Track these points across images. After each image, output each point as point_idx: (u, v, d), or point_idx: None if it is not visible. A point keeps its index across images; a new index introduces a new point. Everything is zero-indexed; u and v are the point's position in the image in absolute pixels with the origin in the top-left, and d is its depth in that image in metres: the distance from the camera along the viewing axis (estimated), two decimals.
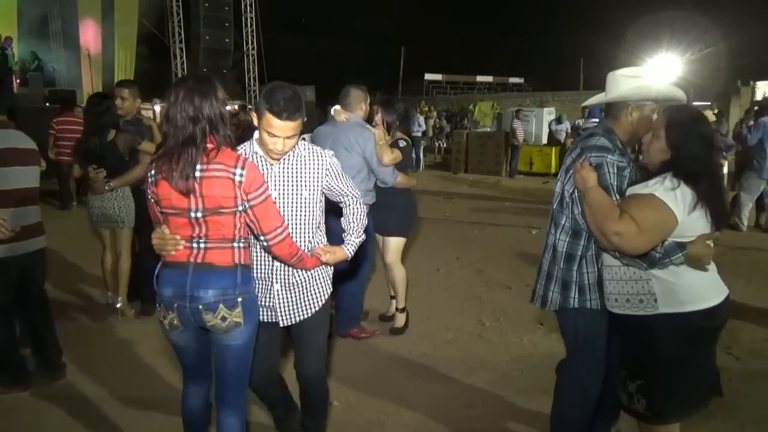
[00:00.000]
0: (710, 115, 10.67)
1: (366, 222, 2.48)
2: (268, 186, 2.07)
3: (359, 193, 2.46)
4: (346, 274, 3.90)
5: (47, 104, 13.86)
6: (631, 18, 27.92)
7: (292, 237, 2.19)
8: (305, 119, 2.18)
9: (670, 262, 2.07)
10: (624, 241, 2.04)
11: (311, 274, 2.34)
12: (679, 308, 2.10)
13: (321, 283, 2.39)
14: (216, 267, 2.02)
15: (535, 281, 2.50)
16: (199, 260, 2.02)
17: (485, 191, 11.73)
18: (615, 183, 2.17)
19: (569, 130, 14.26)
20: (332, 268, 2.45)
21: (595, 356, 2.36)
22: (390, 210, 4.03)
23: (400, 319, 4.22)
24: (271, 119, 2.08)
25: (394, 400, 3.20)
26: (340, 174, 2.37)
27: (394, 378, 3.51)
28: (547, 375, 3.49)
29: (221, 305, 2.01)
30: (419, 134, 15.08)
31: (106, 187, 4.11)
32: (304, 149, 2.30)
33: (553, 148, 14.14)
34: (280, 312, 2.31)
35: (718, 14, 24.02)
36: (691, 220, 2.06)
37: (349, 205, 2.42)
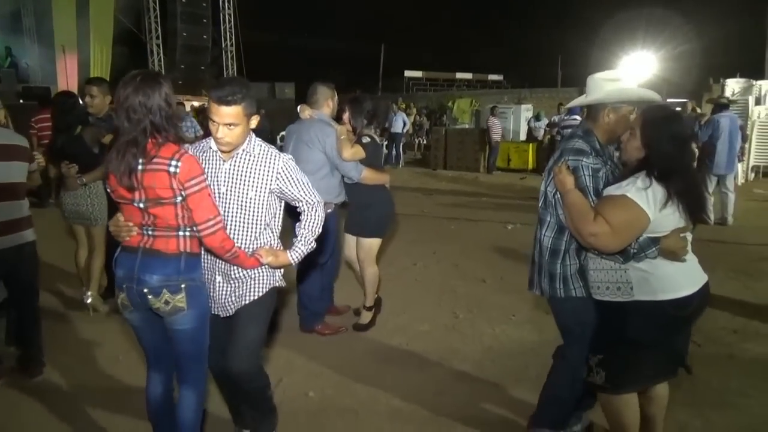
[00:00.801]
0: (691, 110, 10.99)
1: (318, 231, 2.42)
2: (206, 179, 2.13)
3: (317, 200, 2.41)
4: (304, 273, 4.01)
5: (21, 101, 13.66)
6: (608, 16, 28.36)
7: (233, 234, 2.27)
8: (251, 111, 2.21)
9: (645, 256, 2.20)
10: (599, 241, 2.18)
11: (255, 271, 2.36)
12: (652, 296, 2.23)
13: (263, 278, 2.39)
14: (161, 253, 2.14)
15: (529, 270, 2.63)
16: (147, 246, 2.15)
17: (464, 187, 11.86)
18: (591, 185, 2.30)
19: (545, 129, 14.47)
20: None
21: (585, 341, 2.48)
22: (363, 209, 4.07)
23: (366, 317, 4.25)
24: (211, 105, 2.17)
25: (368, 390, 3.28)
26: (295, 179, 2.34)
27: (369, 368, 3.59)
28: (518, 364, 3.63)
29: (165, 290, 2.13)
30: (399, 131, 15.14)
31: (78, 182, 4.11)
32: (258, 150, 2.32)
33: (531, 145, 14.33)
34: (220, 303, 2.37)
35: (692, 12, 24.51)
36: (663, 217, 2.16)
37: (304, 211, 2.40)
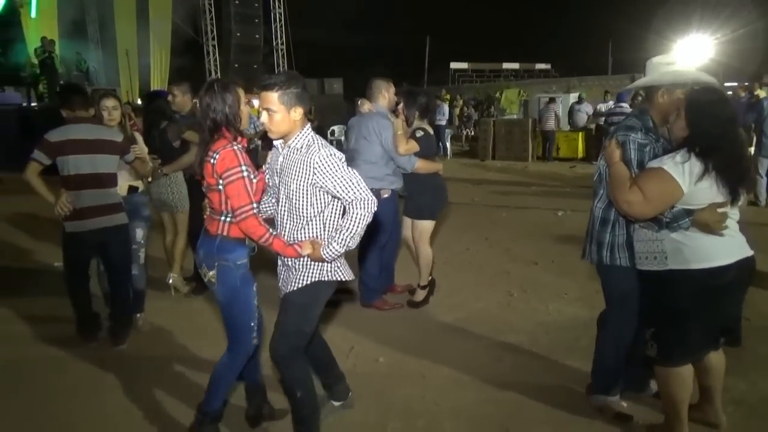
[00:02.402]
0: (763, 93, 10.77)
1: (357, 231, 2.41)
2: (242, 171, 2.44)
3: (361, 198, 2.38)
4: (365, 253, 4.40)
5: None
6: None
7: (281, 223, 2.51)
8: (291, 102, 2.39)
9: (678, 227, 2.41)
10: (631, 208, 2.43)
11: (301, 262, 2.49)
12: (685, 265, 2.43)
13: (308, 270, 2.50)
14: (208, 233, 2.59)
15: (584, 241, 2.91)
16: (206, 226, 2.62)
17: (512, 177, 11.98)
18: (635, 158, 2.55)
19: (590, 113, 14.30)
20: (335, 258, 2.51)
21: (628, 309, 2.73)
22: (419, 195, 4.42)
23: (419, 295, 4.55)
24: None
25: (431, 357, 3.60)
26: (333, 175, 2.37)
27: (431, 339, 3.92)
28: (569, 336, 3.87)
29: (204, 265, 2.58)
30: (443, 123, 15.35)
31: (159, 172, 4.52)
32: (303, 143, 2.45)
33: (580, 134, 14.26)
34: (280, 285, 2.64)
35: None
36: (698, 190, 2.37)
37: (347, 207, 2.41)
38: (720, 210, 2.39)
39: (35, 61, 15.29)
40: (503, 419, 2.91)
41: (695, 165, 2.36)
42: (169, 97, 4.92)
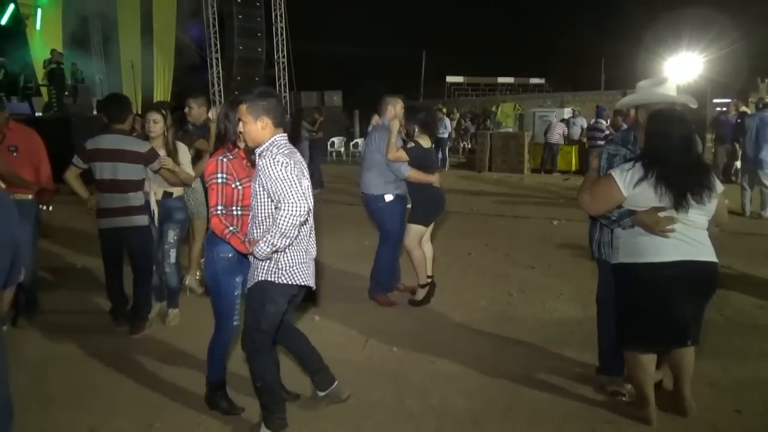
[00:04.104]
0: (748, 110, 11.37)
1: (284, 234, 2.58)
2: (217, 177, 2.85)
3: (290, 204, 2.56)
4: (378, 250, 4.91)
5: (94, 113, 15.00)
6: (652, 17, 28.25)
7: (250, 222, 2.80)
8: (256, 114, 2.66)
9: (622, 225, 2.84)
10: (583, 204, 2.97)
11: (257, 260, 2.74)
12: (628, 259, 2.85)
13: (260, 268, 2.74)
14: None
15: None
16: None
17: (509, 188, 12.41)
18: (604, 165, 3.04)
19: (584, 127, 14.81)
20: (288, 259, 2.73)
21: (610, 299, 3.11)
22: (413, 201, 4.86)
23: (420, 293, 4.91)
24: None
25: (440, 348, 3.98)
26: (272, 177, 2.59)
27: (439, 332, 4.31)
28: (564, 330, 4.27)
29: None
30: (445, 135, 15.82)
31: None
32: (262, 149, 2.71)
33: (573, 147, 14.74)
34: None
35: (739, 13, 24.24)
36: (638, 194, 2.74)
37: (278, 212, 2.60)
38: (662, 214, 2.72)
39: (42, 71, 15.69)
40: (507, 398, 3.29)
41: (637, 172, 2.74)
42: (186, 109, 5.31)
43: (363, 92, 25.36)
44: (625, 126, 11.19)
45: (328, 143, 17.84)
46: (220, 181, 2.88)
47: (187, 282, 5.22)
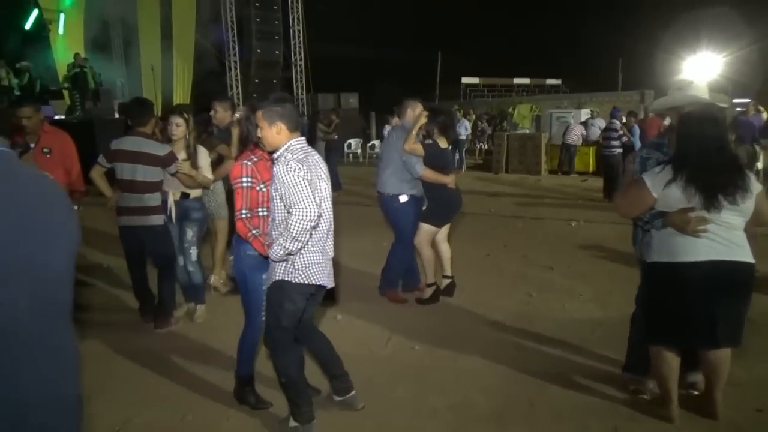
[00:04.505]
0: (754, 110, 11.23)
1: (294, 239, 2.66)
2: (243, 181, 2.96)
3: (300, 210, 2.63)
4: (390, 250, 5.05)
5: (116, 116, 15.29)
6: (671, 17, 27.96)
7: (270, 224, 2.89)
8: (270, 119, 2.76)
9: (653, 226, 2.89)
10: (617, 208, 3.05)
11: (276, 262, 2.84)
12: (660, 258, 2.89)
13: (277, 268, 2.82)
14: None
15: None
16: None
17: (526, 189, 12.41)
18: (638, 169, 3.05)
19: (602, 128, 14.74)
20: (304, 259, 2.80)
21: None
22: (428, 201, 4.93)
23: (427, 292, 4.98)
24: None
25: (461, 345, 4.04)
26: (285, 183, 2.67)
27: (460, 330, 4.37)
28: (584, 330, 4.30)
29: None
30: (463, 137, 15.89)
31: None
32: (279, 154, 2.79)
33: (591, 148, 14.68)
34: None
35: (759, 12, 23.91)
36: (668, 196, 2.77)
37: (290, 216, 2.68)
38: (692, 214, 2.73)
39: (65, 74, 16.02)
40: (529, 395, 3.34)
41: (667, 174, 2.78)
42: (211, 112, 5.43)
43: (379, 94, 25.49)
44: (636, 127, 11.18)
45: (345, 145, 17.95)
46: (245, 184, 2.98)
47: (211, 281, 5.34)
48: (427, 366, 3.77)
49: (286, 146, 2.80)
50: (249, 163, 3.01)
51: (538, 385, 3.47)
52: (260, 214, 3.02)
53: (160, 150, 4.27)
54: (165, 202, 4.45)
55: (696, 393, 3.20)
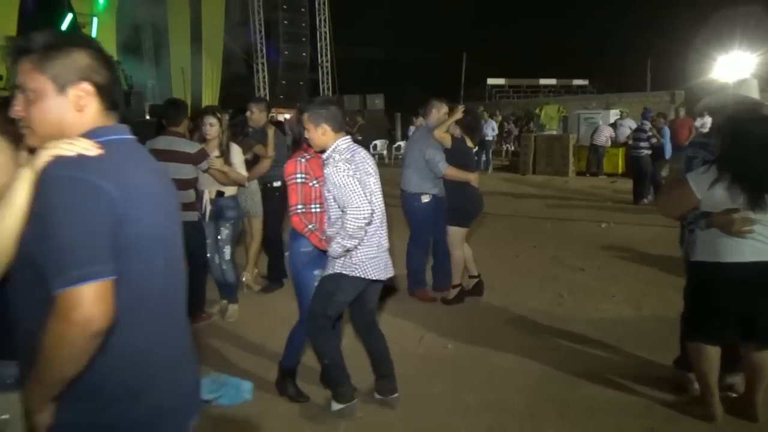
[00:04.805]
0: None
1: (349, 237, 2.81)
2: (296, 178, 3.07)
3: (352, 209, 2.78)
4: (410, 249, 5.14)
5: (147, 117, 15.63)
6: (702, 16, 27.42)
7: (326, 220, 3.03)
8: (316, 122, 2.91)
9: (697, 226, 2.88)
10: (660, 208, 3.04)
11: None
12: (704, 258, 2.89)
13: (333, 262, 2.96)
14: None
15: None
16: None
17: (554, 191, 12.33)
18: (683, 169, 3.03)
19: (632, 128, 14.53)
20: (361, 254, 2.93)
21: None
22: (450, 202, 4.95)
23: (452, 293, 5.01)
24: None
25: (494, 344, 4.06)
26: (336, 184, 2.82)
27: (491, 330, 4.39)
28: (619, 330, 4.28)
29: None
30: (490, 138, 15.86)
31: None
32: (327, 155, 2.94)
33: (620, 149, 14.51)
34: None
35: None
36: (710, 196, 2.77)
37: (344, 215, 2.82)
38: (737, 216, 2.72)
39: None
40: (563, 394, 3.36)
41: (711, 174, 2.77)
42: (248, 113, 5.54)
43: (404, 95, 25.55)
44: (666, 128, 10.99)
45: (371, 146, 18.05)
46: (299, 180, 3.10)
47: (244, 279, 5.45)
48: (461, 364, 3.80)
49: (332, 147, 2.96)
50: (302, 161, 3.13)
51: (572, 384, 3.48)
52: (313, 210, 3.12)
53: (191, 148, 4.38)
54: (200, 199, 4.56)
55: (734, 395, 3.18)
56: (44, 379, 1.25)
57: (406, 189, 5.07)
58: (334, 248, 2.86)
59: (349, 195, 2.79)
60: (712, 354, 2.96)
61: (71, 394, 1.28)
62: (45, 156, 1.28)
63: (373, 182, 3.00)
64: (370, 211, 2.83)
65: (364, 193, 2.84)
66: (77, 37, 1.42)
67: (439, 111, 5.06)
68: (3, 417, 1.51)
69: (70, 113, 1.34)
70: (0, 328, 1.46)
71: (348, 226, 2.79)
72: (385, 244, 3.10)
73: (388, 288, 3.46)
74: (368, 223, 2.87)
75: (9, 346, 1.40)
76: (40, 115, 1.33)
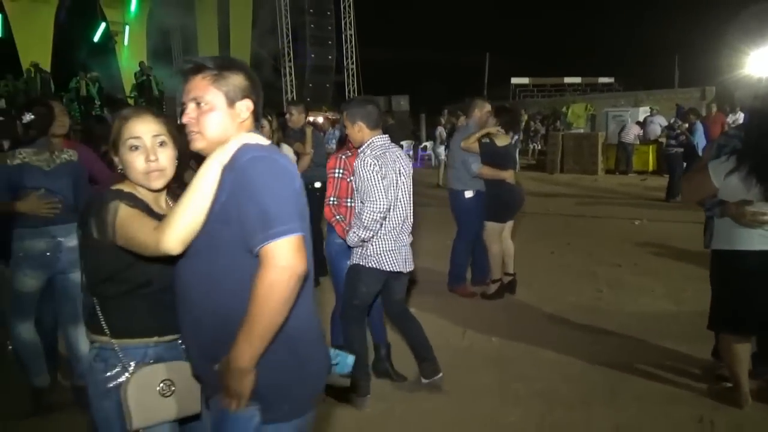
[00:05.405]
0: None
1: (363, 228, 2.99)
2: (334, 171, 3.28)
3: (367, 204, 2.98)
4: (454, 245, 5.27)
5: (178, 122, 15.98)
6: (731, 10, 26.92)
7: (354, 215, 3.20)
8: (352, 120, 3.10)
9: (714, 214, 2.96)
10: (682, 193, 3.25)
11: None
12: (721, 246, 2.97)
13: (355, 252, 3.15)
14: None
15: None
16: None
17: (583, 189, 12.30)
18: (714, 156, 3.07)
19: (663, 125, 14.38)
20: (376, 246, 3.09)
21: None
22: (487, 198, 5.07)
23: (491, 288, 5.11)
24: None
25: (536, 339, 4.15)
26: (359, 178, 3.02)
27: (532, 324, 4.49)
28: (660, 324, 4.34)
29: None
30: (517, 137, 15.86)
31: None
32: (360, 151, 3.11)
33: (650, 147, 14.39)
34: None
35: None
36: (726, 185, 2.83)
37: (362, 207, 3.02)
38: (750, 208, 2.76)
39: (133, 83, 16.89)
40: (610, 383, 3.45)
41: (730, 164, 2.83)
42: (287, 116, 5.75)
43: (428, 96, 25.63)
44: (699, 124, 10.87)
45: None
46: (337, 175, 3.32)
47: None
48: (507, 356, 3.90)
49: (368, 143, 3.12)
50: (343, 157, 3.34)
51: (618, 374, 3.56)
52: (348, 204, 3.30)
53: None
54: None
55: None
56: (255, 331, 1.44)
57: (451, 187, 5.26)
58: (351, 237, 3.06)
59: (368, 188, 2.98)
60: (737, 346, 3.01)
61: (271, 355, 1.49)
62: (233, 146, 1.52)
63: (403, 182, 3.17)
64: (385, 207, 3.00)
65: (385, 190, 3.01)
66: (239, 62, 1.67)
67: (481, 110, 5.18)
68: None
69: (234, 123, 1.60)
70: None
71: (364, 217, 2.98)
72: (406, 239, 3.24)
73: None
74: (384, 218, 3.05)
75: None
76: (212, 122, 1.58)
